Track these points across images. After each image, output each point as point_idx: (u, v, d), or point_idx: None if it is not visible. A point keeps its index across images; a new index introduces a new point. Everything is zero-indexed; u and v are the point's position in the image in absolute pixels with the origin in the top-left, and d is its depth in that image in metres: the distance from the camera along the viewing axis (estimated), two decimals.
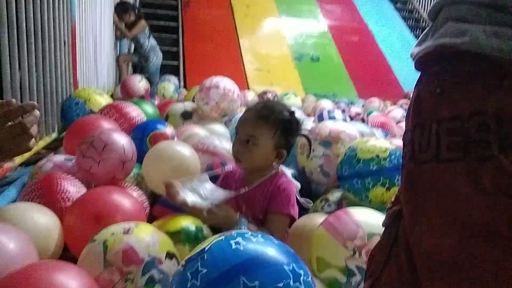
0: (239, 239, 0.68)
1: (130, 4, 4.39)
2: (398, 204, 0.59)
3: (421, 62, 0.54)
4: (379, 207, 1.30)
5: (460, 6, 0.50)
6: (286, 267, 0.65)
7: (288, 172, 1.27)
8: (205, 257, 0.65)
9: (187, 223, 1.17)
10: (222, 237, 0.70)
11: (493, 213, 0.45)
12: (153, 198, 1.70)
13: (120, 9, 4.18)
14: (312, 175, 1.80)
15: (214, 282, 0.62)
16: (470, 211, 0.46)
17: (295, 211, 1.19)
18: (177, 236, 1.11)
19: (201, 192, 1.11)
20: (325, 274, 0.99)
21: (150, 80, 4.23)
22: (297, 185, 1.24)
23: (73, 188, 1.41)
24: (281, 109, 1.20)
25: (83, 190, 1.45)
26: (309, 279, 0.68)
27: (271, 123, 1.16)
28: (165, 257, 0.97)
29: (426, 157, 0.50)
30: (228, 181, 1.30)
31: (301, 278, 0.66)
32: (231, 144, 1.30)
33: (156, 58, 4.50)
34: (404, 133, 0.56)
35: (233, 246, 0.66)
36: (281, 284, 0.62)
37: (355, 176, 1.49)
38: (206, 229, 1.19)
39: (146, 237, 0.97)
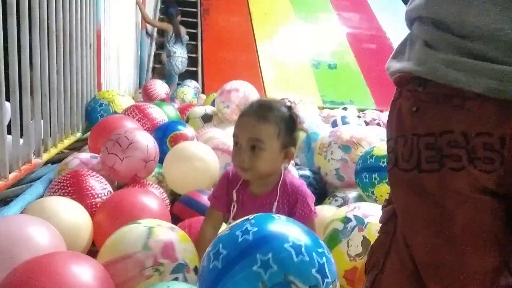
0: (276, 216, 0.79)
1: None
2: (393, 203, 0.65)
3: (397, 82, 0.62)
4: None
5: (425, 26, 0.57)
6: (320, 241, 0.76)
7: (294, 170, 1.16)
8: (253, 222, 0.74)
9: None
10: (262, 214, 0.81)
11: (474, 210, 0.53)
12: (173, 196, 1.75)
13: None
14: (327, 176, 1.83)
15: (264, 238, 0.70)
16: (447, 211, 0.55)
17: (315, 209, 1.17)
18: None
19: None
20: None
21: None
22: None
23: (99, 185, 1.46)
24: (278, 106, 1.11)
25: (108, 187, 1.50)
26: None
27: (273, 122, 1.07)
28: (193, 269, 0.99)
29: (409, 166, 0.57)
30: (231, 188, 1.17)
31: (331, 258, 0.75)
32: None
33: (170, 65, 4.71)
34: (387, 140, 0.63)
35: (276, 217, 0.77)
36: (320, 250, 0.72)
37: (365, 170, 1.52)
38: None
39: (186, 244, 1.02)
